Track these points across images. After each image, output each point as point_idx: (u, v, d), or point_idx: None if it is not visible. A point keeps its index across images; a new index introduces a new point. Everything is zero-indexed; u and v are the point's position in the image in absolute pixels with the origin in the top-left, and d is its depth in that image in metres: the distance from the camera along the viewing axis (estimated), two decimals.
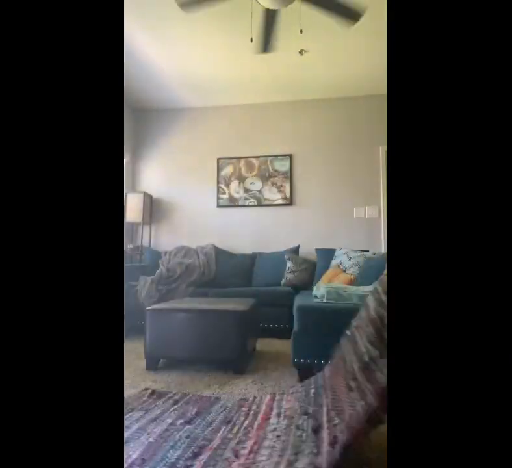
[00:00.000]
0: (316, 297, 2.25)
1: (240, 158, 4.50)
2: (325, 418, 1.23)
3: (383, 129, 4.25)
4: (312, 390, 1.51)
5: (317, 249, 3.95)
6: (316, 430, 1.19)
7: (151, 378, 2.13)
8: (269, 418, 1.46)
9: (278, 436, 1.28)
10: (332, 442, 1.05)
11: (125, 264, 3.73)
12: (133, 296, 3.45)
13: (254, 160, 4.47)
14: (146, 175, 4.71)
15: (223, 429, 1.40)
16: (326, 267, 3.68)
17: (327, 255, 3.79)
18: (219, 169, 4.54)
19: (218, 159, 4.55)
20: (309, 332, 2.07)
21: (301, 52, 3.43)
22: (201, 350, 2.26)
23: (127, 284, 3.50)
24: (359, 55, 3.50)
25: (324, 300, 2.17)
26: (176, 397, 1.76)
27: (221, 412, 1.58)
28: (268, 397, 1.67)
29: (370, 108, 4.29)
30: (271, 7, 2.33)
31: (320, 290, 2.25)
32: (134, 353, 2.68)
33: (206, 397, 1.76)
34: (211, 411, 1.59)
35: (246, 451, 1.21)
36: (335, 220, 4.25)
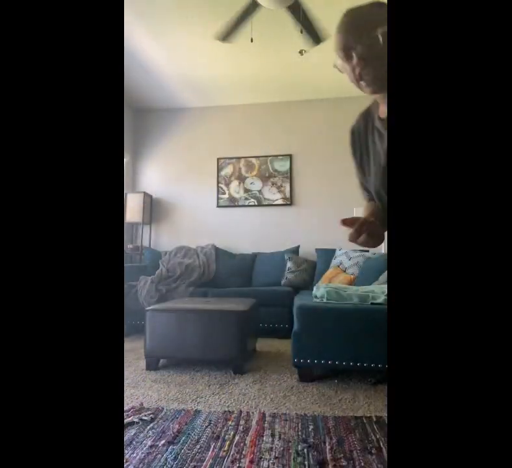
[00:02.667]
0: (316, 297, 2.26)
1: (240, 158, 4.50)
2: (329, 456, 1.20)
3: None
4: (311, 427, 1.45)
5: (317, 249, 3.95)
6: (321, 464, 1.15)
7: (151, 378, 2.14)
8: (262, 436, 1.36)
9: (276, 457, 1.20)
10: None
11: (125, 264, 3.73)
12: (133, 296, 3.45)
13: (254, 160, 4.47)
14: (146, 175, 4.71)
15: (212, 446, 1.28)
16: (326, 267, 3.68)
17: (327, 255, 3.79)
18: (219, 169, 4.54)
19: (218, 159, 4.55)
20: (309, 332, 2.07)
21: (301, 52, 3.43)
22: (201, 349, 2.26)
23: (127, 284, 3.50)
24: None
25: (324, 300, 2.17)
26: (149, 413, 1.57)
27: (206, 427, 1.44)
28: (257, 416, 1.56)
29: None
30: (271, 7, 2.33)
31: (319, 290, 2.26)
32: (134, 353, 2.68)
33: (184, 411, 1.61)
34: (194, 426, 1.44)
35: None
36: (335, 220, 4.23)
